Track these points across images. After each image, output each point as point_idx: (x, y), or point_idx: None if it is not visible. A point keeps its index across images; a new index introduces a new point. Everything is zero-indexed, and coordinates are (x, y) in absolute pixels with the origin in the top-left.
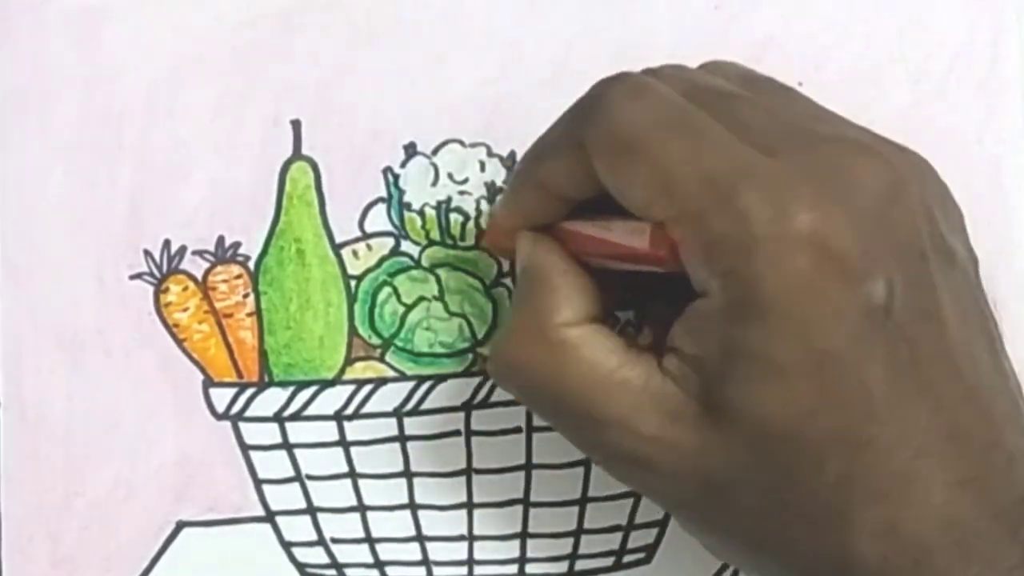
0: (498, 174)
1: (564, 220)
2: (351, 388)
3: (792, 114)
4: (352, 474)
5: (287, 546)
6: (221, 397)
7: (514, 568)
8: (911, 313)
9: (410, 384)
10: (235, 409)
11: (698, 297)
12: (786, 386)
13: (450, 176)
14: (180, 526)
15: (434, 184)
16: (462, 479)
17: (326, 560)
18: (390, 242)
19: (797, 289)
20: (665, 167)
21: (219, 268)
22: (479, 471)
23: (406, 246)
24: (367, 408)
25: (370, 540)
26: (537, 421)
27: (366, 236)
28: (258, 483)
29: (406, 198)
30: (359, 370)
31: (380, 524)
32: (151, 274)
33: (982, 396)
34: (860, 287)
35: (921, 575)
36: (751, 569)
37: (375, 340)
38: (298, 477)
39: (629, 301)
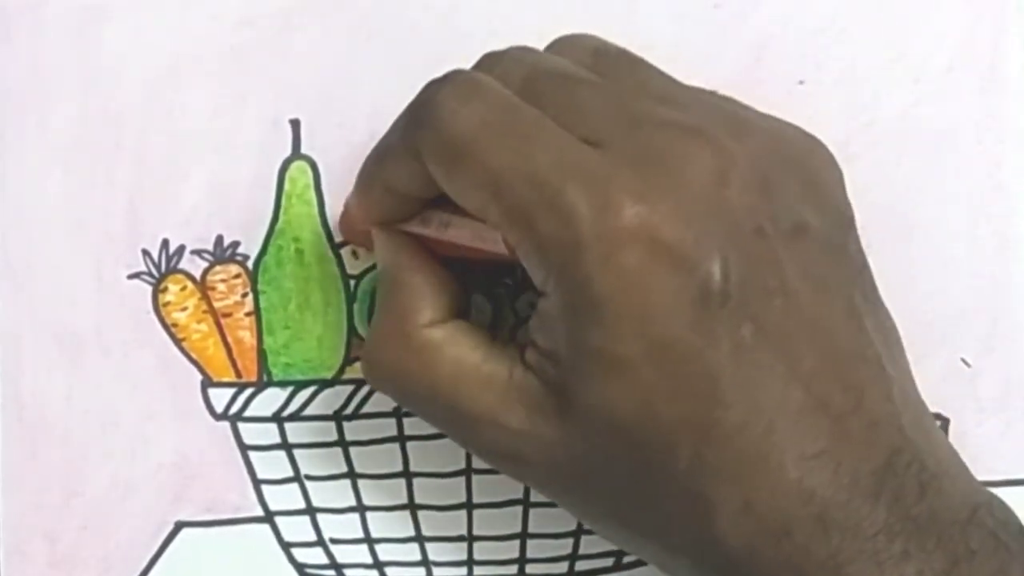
0: None
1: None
2: (350, 388)
3: (632, 96)
4: (351, 474)
5: (286, 546)
6: (219, 397)
7: (514, 568)
8: (752, 291)
9: None
10: (234, 409)
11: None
12: (629, 379)
13: None
14: (179, 526)
15: None
16: (461, 479)
17: (325, 560)
18: None
19: (629, 284)
20: (494, 171)
21: (218, 268)
22: (478, 471)
23: None
24: (366, 408)
25: (369, 540)
26: None
27: None
28: (257, 483)
29: None
30: (358, 370)
31: (379, 524)
32: (149, 274)
33: (839, 365)
34: (694, 273)
35: (784, 551)
36: (639, 553)
37: None
38: (297, 477)
39: (494, 288)
